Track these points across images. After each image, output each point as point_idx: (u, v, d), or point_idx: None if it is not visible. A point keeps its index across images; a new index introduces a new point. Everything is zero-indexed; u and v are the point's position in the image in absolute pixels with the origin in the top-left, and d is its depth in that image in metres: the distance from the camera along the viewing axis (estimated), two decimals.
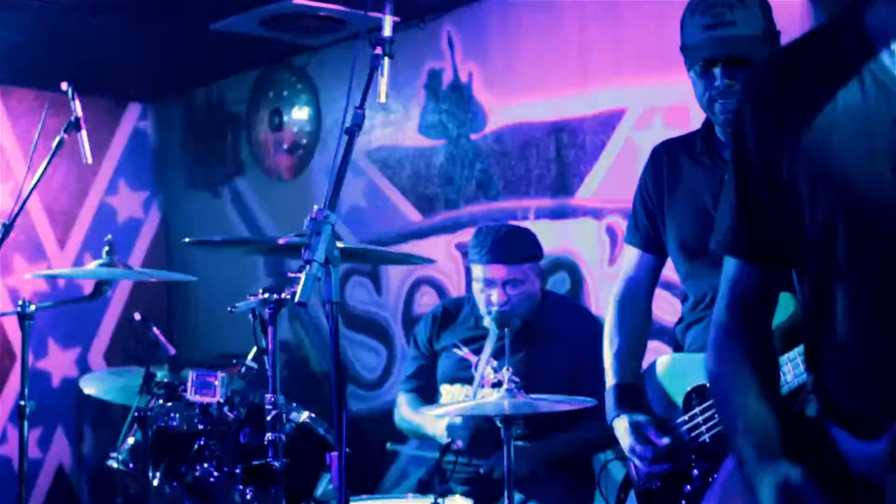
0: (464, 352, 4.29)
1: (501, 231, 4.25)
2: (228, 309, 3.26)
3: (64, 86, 4.48)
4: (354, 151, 5.75)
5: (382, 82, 3.21)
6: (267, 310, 3.14)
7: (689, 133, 3.37)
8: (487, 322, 4.21)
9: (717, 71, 2.94)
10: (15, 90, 6.82)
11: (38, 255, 6.90)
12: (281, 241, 3.30)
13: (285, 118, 6.56)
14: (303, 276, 2.70)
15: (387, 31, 3.22)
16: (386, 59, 3.20)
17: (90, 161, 4.52)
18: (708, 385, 2.98)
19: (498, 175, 5.42)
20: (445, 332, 4.48)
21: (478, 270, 4.22)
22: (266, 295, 3.17)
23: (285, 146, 6.57)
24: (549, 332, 4.29)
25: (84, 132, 4.43)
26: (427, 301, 5.67)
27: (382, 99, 3.16)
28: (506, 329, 3.83)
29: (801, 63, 1.78)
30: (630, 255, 3.45)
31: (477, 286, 4.25)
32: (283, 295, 3.14)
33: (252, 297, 3.21)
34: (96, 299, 4.58)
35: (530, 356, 4.19)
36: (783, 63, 1.82)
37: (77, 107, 4.41)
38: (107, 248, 4.41)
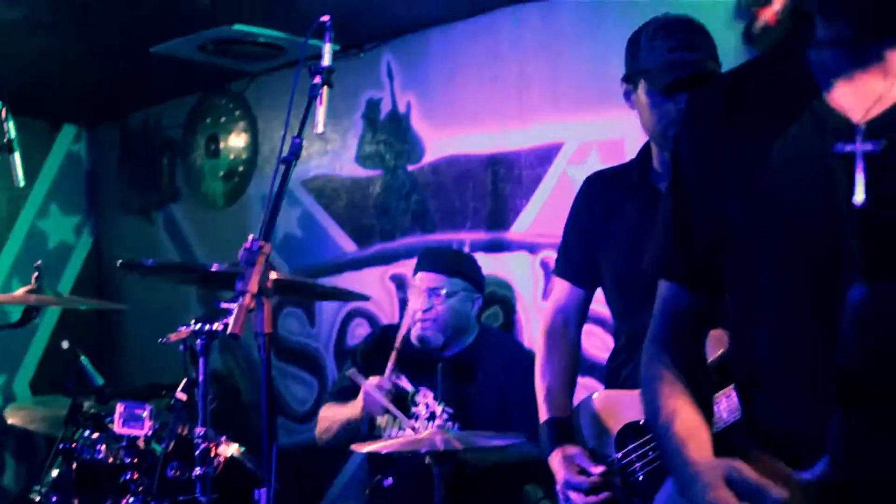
0: (401, 381, 4.26)
1: (439, 247, 4.32)
2: (159, 340, 3.21)
3: None
4: (290, 180, 5.73)
5: (320, 112, 3.19)
6: (198, 341, 3.09)
7: (622, 164, 3.38)
8: (414, 337, 4.22)
9: (680, 95, 2.95)
10: None
11: None
12: (214, 268, 3.27)
13: (222, 144, 6.51)
14: (235, 307, 2.67)
15: (326, 61, 3.22)
16: (325, 88, 3.19)
17: (23, 184, 4.45)
18: (643, 422, 3.00)
19: (434, 207, 5.41)
20: (382, 359, 4.44)
21: (411, 281, 4.28)
22: (197, 326, 3.12)
23: (221, 173, 6.51)
24: (482, 366, 4.29)
25: (18, 154, 4.36)
26: (361, 333, 5.63)
27: (320, 129, 3.14)
28: (439, 365, 3.83)
29: (740, 91, 1.80)
30: (560, 288, 3.45)
31: (410, 299, 4.29)
32: (214, 326, 3.10)
33: (183, 328, 3.16)
34: (23, 326, 4.48)
35: (464, 389, 4.18)
36: (723, 90, 1.84)
37: (11, 128, 4.34)
38: (35, 274, 4.32)
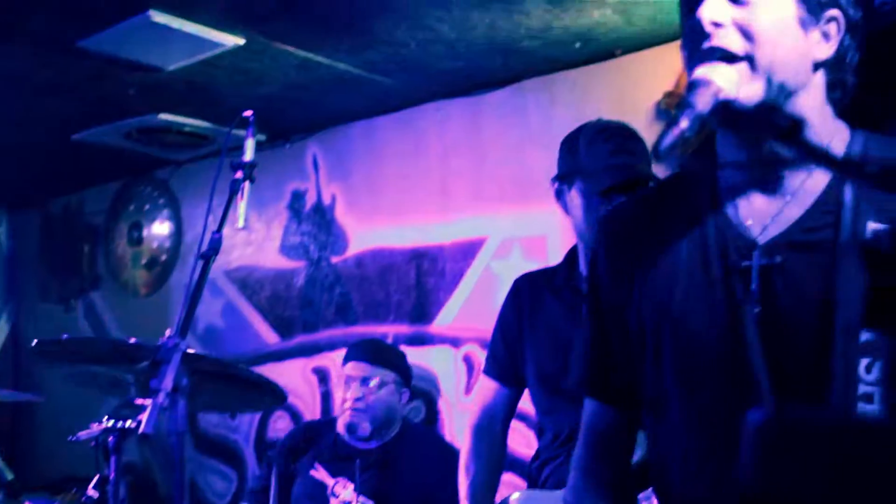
0: (321, 473, 4.20)
1: (368, 339, 4.30)
2: (69, 438, 3.14)
3: None
4: (213, 270, 5.66)
5: (241, 206, 3.17)
6: (110, 438, 3.03)
7: (550, 266, 3.41)
8: (342, 427, 4.18)
9: (616, 198, 2.99)
10: None
11: None
12: (132, 341, 3.21)
13: (145, 232, 6.46)
14: (149, 405, 2.62)
15: (248, 156, 3.21)
16: (246, 183, 3.17)
17: None
18: None
19: (358, 299, 5.40)
20: (305, 454, 4.39)
21: (341, 372, 4.24)
22: (110, 423, 3.05)
23: (143, 261, 6.45)
24: (404, 460, 4.25)
25: None
26: (282, 426, 5.56)
27: (241, 224, 3.12)
28: (357, 460, 3.80)
29: (652, 211, 1.84)
30: (487, 386, 3.44)
31: (339, 390, 4.24)
32: (127, 424, 3.04)
33: (95, 425, 3.09)
34: None
35: (385, 483, 4.14)
36: (636, 209, 1.88)
37: None
38: None
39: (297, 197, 5.72)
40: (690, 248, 1.74)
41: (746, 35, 1.62)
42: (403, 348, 4.89)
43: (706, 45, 1.62)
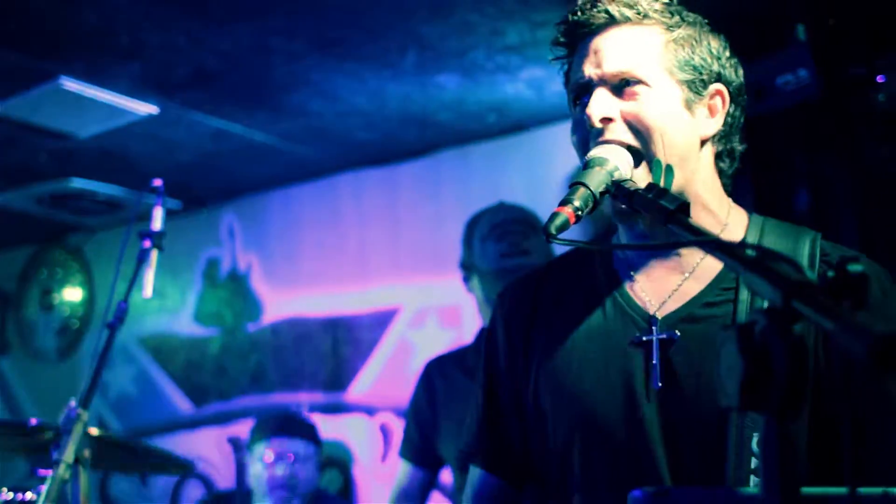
0: None
1: (281, 412, 4.24)
2: None
3: None
4: (126, 338, 5.62)
5: (149, 275, 3.16)
6: None
7: (461, 347, 3.44)
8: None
9: None
10: None
11: None
12: (33, 422, 3.14)
13: (57, 298, 6.36)
14: (49, 478, 2.58)
15: (157, 225, 3.21)
16: (154, 251, 3.16)
17: None
18: None
19: (273, 367, 5.36)
20: None
21: (260, 450, 4.12)
22: (10, 495, 2.97)
23: (55, 327, 6.35)
24: None
25: None
26: (196, 495, 5.47)
27: (148, 293, 3.11)
28: None
29: (550, 286, 1.87)
30: (404, 469, 3.44)
31: (257, 469, 4.13)
32: (27, 496, 2.96)
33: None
34: None
35: None
36: (533, 284, 1.89)
37: None
38: None
39: (213, 264, 5.69)
40: (588, 323, 1.77)
41: (635, 129, 1.67)
42: (318, 417, 4.87)
43: (600, 139, 1.67)
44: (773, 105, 3.38)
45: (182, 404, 5.72)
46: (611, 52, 1.70)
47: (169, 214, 5.63)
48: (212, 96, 4.20)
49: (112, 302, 3.15)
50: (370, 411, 4.98)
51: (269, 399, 5.34)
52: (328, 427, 5.01)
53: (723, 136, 1.76)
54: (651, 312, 1.71)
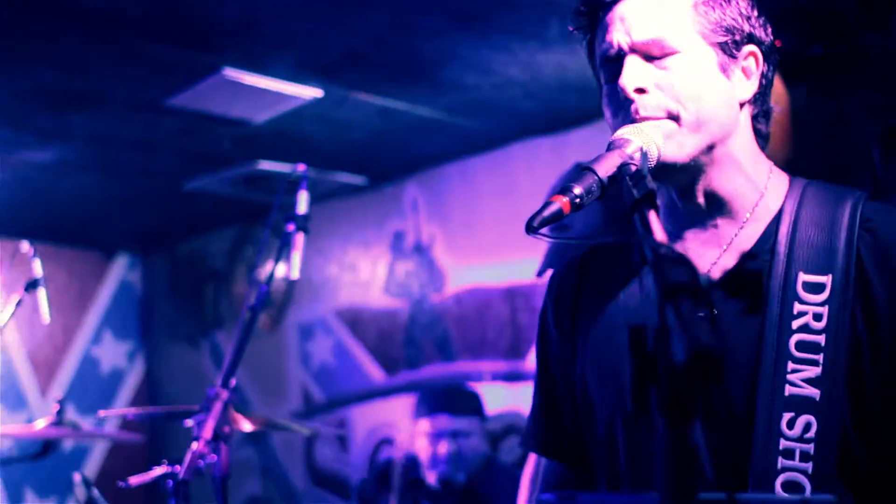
0: None
1: (444, 387, 4.31)
2: (119, 483, 3.27)
3: (24, 246, 4.57)
4: (325, 311, 5.86)
5: (296, 257, 3.28)
6: (168, 482, 3.15)
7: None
8: (432, 479, 4.22)
9: None
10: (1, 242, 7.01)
11: (19, 404, 6.98)
12: (188, 422, 3.34)
13: (261, 274, 6.65)
14: (188, 453, 2.75)
15: (301, 208, 3.31)
16: (300, 234, 3.28)
17: (48, 320, 4.57)
18: None
19: (456, 337, 5.47)
20: (394, 491, 4.47)
21: (424, 425, 4.25)
22: (164, 470, 3.15)
23: (262, 301, 6.66)
24: (490, 497, 4.27)
25: (43, 291, 4.50)
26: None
27: (295, 275, 3.24)
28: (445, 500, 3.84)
29: (592, 269, 1.85)
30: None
31: (422, 442, 4.26)
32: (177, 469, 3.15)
33: (156, 468, 3.21)
34: (45, 458, 4.61)
35: None
36: (577, 269, 1.88)
37: (37, 267, 4.49)
38: (57, 408, 4.45)
39: (399, 237, 5.83)
40: (625, 304, 1.74)
41: (670, 97, 1.62)
42: (499, 385, 4.94)
43: (632, 109, 1.63)
44: None
45: (375, 373, 5.91)
46: (639, 18, 1.64)
47: (356, 190, 5.89)
48: (369, 76, 4.31)
49: (270, 281, 3.30)
50: None
51: (454, 368, 5.44)
52: (508, 395, 5.08)
53: (759, 98, 1.70)
54: None
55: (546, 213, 1.48)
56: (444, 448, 4.18)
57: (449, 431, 4.20)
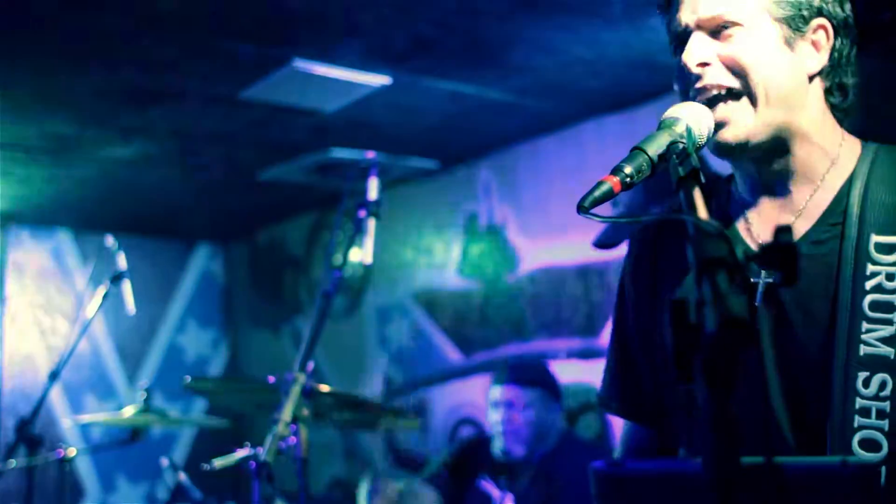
0: (489, 486, 4.34)
1: (516, 359, 4.37)
2: (203, 466, 3.37)
3: (109, 241, 4.73)
4: (401, 294, 5.93)
5: (368, 243, 3.35)
6: (251, 464, 3.24)
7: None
8: (496, 447, 4.31)
9: None
10: (89, 236, 7.21)
11: (108, 393, 7.18)
12: (271, 380, 3.44)
13: (339, 260, 6.75)
14: (269, 436, 2.84)
15: (372, 194, 3.38)
16: (371, 220, 3.34)
17: (133, 311, 4.72)
18: None
19: (531, 315, 5.51)
20: (472, 466, 4.54)
21: (494, 397, 4.35)
22: (246, 452, 3.23)
23: (340, 287, 6.77)
24: (565, 473, 4.32)
25: (128, 283, 4.65)
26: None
27: (368, 260, 3.31)
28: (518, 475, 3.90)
29: (670, 226, 1.88)
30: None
31: (492, 414, 4.36)
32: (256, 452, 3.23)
33: (239, 451, 3.30)
34: (134, 444, 4.76)
35: (546, 494, 4.22)
36: (655, 232, 1.92)
37: (121, 260, 4.64)
38: (144, 396, 4.60)
39: (472, 218, 5.89)
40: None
41: (733, 70, 1.67)
42: (575, 363, 4.98)
43: (698, 85, 1.68)
44: None
45: (452, 354, 5.99)
46: None
47: (429, 174, 5.95)
48: (436, 62, 4.36)
49: (344, 267, 3.37)
50: None
51: (530, 347, 5.49)
52: (584, 372, 5.11)
53: (831, 71, 1.73)
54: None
55: (597, 192, 1.53)
56: (496, 416, 4.27)
57: (509, 401, 4.28)
